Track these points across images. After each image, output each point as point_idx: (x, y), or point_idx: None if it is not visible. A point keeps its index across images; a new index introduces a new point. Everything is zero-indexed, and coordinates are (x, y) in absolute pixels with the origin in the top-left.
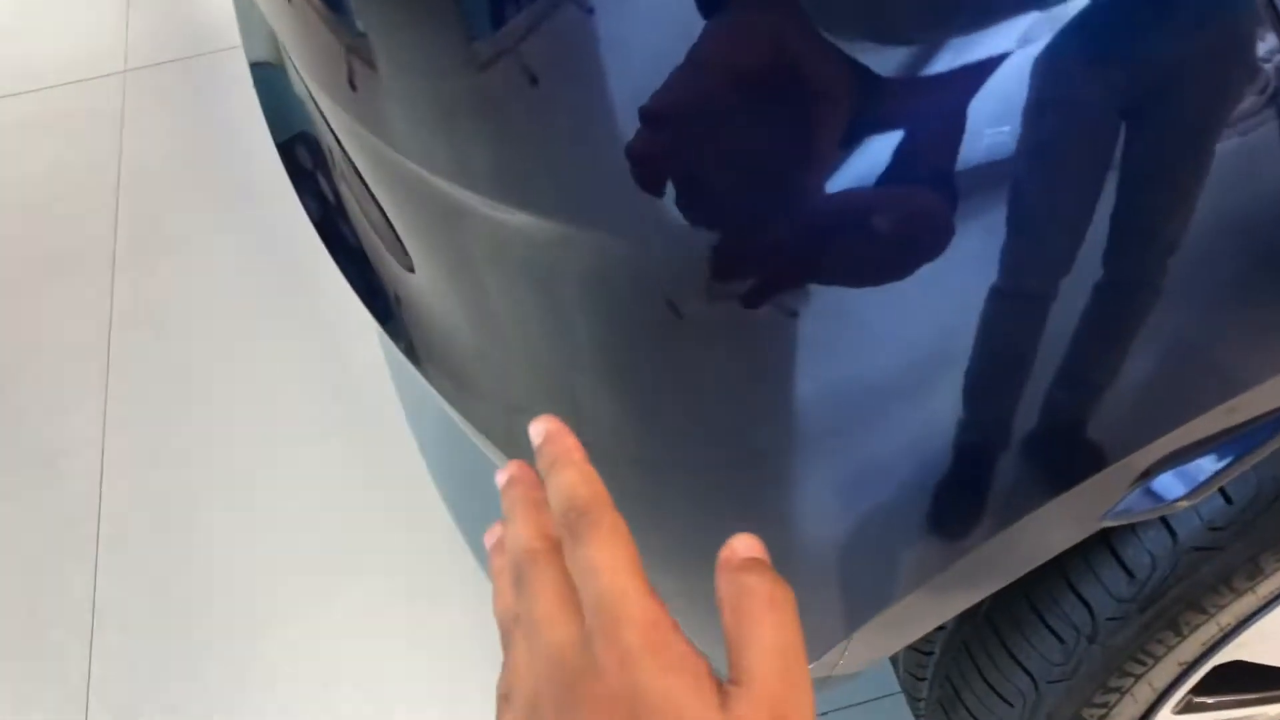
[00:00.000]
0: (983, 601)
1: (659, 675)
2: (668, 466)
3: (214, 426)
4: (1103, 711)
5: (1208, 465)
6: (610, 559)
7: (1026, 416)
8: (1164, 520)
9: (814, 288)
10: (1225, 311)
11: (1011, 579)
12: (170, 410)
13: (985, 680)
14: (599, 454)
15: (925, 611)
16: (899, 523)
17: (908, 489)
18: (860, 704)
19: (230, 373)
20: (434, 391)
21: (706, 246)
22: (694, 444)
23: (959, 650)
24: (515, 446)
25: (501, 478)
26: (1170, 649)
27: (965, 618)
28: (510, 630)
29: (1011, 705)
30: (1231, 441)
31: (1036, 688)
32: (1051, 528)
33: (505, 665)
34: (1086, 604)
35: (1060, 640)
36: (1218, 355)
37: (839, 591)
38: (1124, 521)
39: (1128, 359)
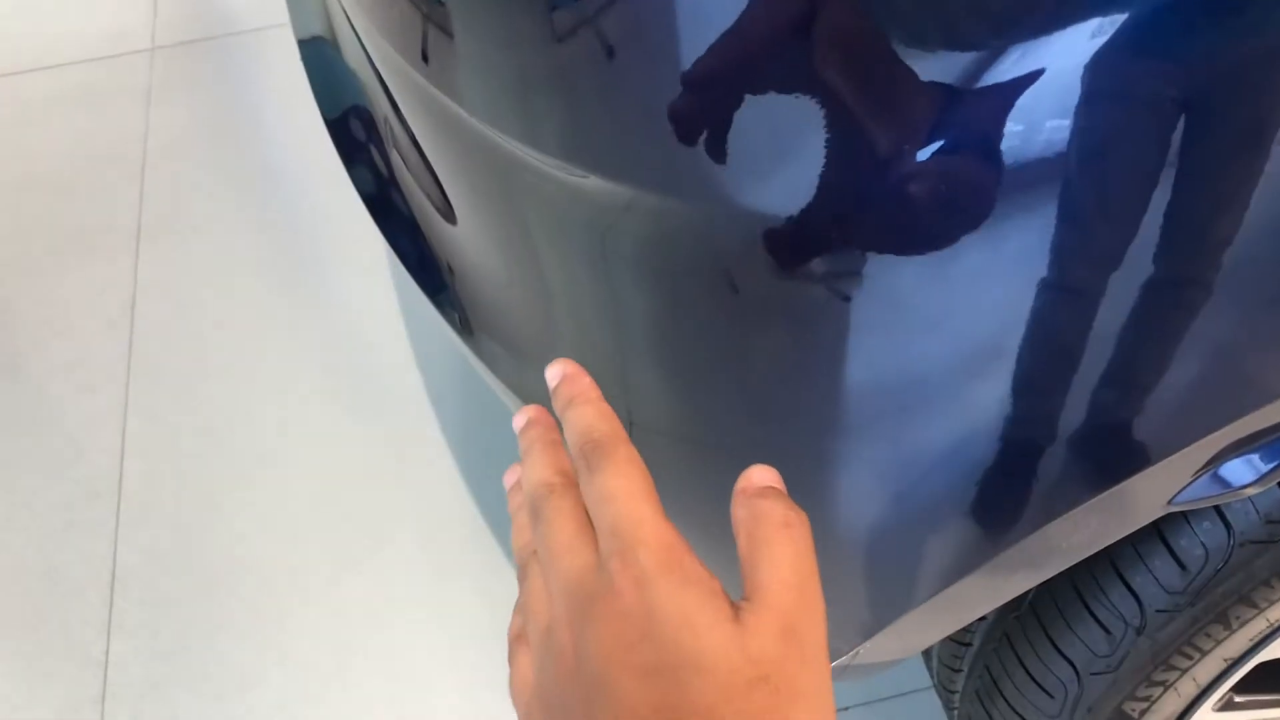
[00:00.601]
0: (1027, 591)
1: (673, 591)
2: (713, 446)
3: (235, 404)
4: (1145, 705)
5: (1276, 452)
6: (625, 486)
7: (1077, 409)
8: (1219, 512)
9: (866, 272)
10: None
11: (1072, 563)
12: (192, 387)
13: (1026, 670)
14: (644, 429)
15: (969, 601)
16: (942, 514)
17: (953, 479)
18: (884, 699)
19: (252, 350)
20: (480, 365)
21: (765, 221)
22: (741, 423)
23: (1000, 640)
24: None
25: (519, 420)
26: (1218, 643)
27: (1008, 608)
28: (527, 565)
29: (1052, 697)
30: None
31: (1079, 679)
32: (1119, 512)
33: (520, 601)
34: (1135, 595)
35: (1107, 631)
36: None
37: (877, 581)
38: (1191, 507)
39: (1182, 353)
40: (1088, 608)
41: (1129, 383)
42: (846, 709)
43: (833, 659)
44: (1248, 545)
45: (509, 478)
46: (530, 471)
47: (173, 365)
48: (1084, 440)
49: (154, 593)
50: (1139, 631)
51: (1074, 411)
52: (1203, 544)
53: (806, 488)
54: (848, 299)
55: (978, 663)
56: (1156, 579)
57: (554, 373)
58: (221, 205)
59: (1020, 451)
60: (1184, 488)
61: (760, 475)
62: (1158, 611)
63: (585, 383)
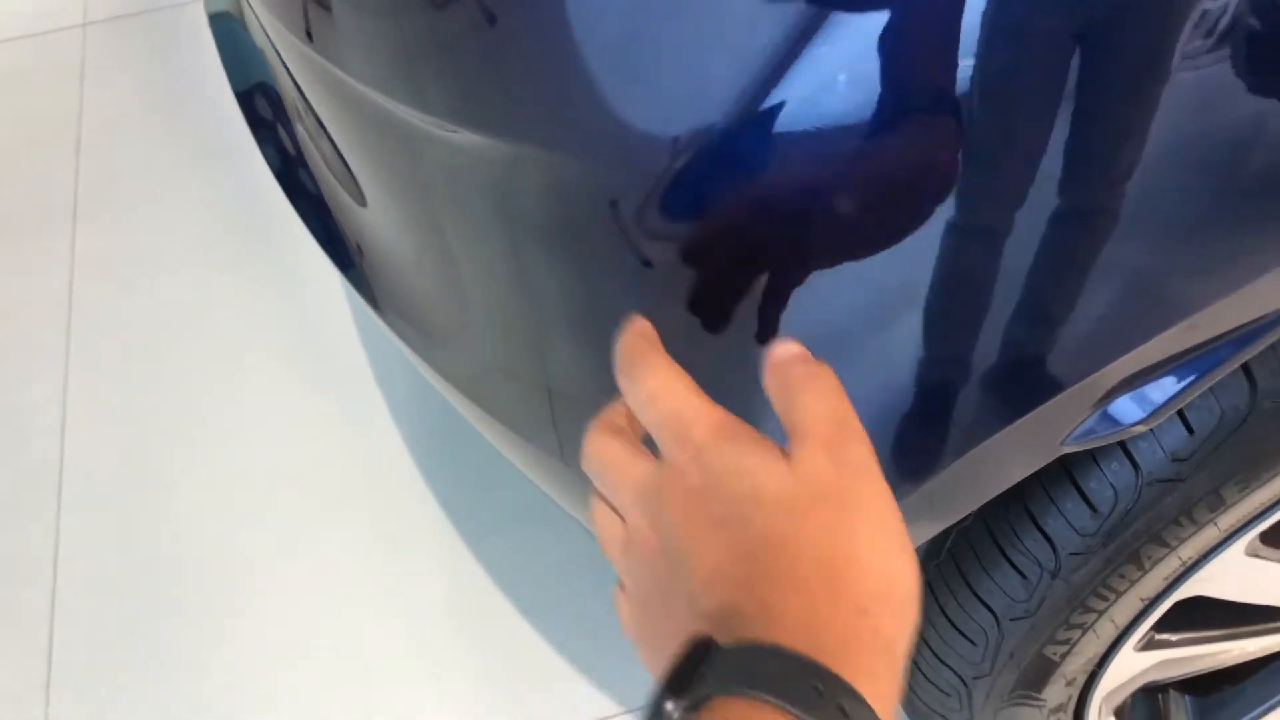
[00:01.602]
0: (946, 539)
1: (725, 451)
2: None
3: (178, 384)
4: (1065, 649)
5: (1166, 388)
6: (666, 382)
7: (986, 344)
8: (1126, 452)
9: (771, 219)
10: (1181, 233)
11: (976, 506)
12: (133, 368)
13: (948, 618)
14: (563, 398)
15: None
16: None
17: (873, 423)
18: None
19: (195, 328)
20: (396, 339)
21: (667, 173)
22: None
23: (923, 589)
24: (477, 390)
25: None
26: (1133, 583)
27: (929, 555)
28: (610, 536)
29: (974, 644)
30: (1189, 363)
31: (999, 625)
32: (1013, 453)
33: (601, 545)
34: (1049, 539)
35: (1023, 576)
36: (1176, 274)
37: None
38: (1084, 446)
39: (1085, 283)
40: (1003, 553)
41: (1025, 321)
42: None
43: None
44: (1155, 484)
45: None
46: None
47: (113, 346)
48: (982, 380)
49: (98, 577)
50: (1054, 575)
51: (974, 352)
52: (1111, 485)
53: None
54: (755, 249)
55: None
56: (1068, 521)
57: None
58: (159, 180)
59: (923, 394)
60: (1076, 427)
61: (782, 347)
62: (1071, 554)
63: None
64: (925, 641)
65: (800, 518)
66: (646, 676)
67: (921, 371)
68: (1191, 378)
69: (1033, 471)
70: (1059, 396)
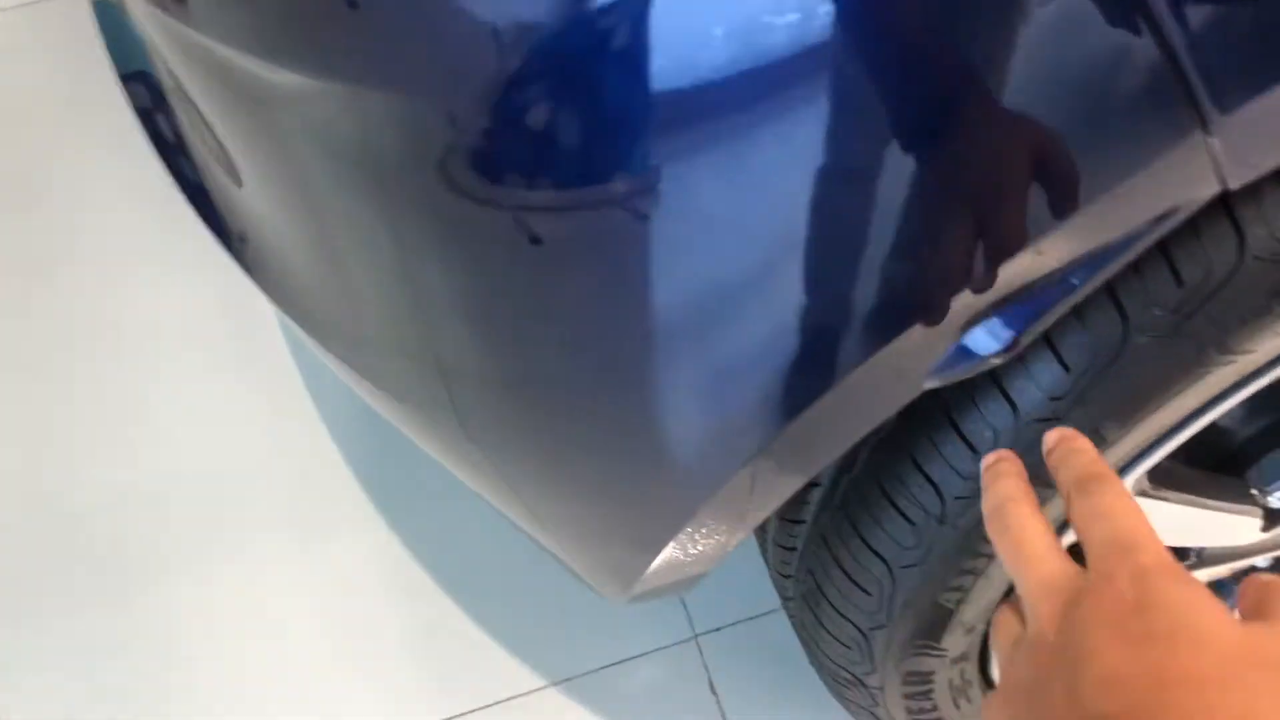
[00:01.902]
0: (837, 490)
1: (1172, 585)
2: (513, 373)
3: (94, 367)
4: (959, 595)
5: (1021, 317)
6: (1124, 506)
7: (841, 280)
8: (1004, 393)
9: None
10: (1018, 160)
11: (846, 446)
12: (49, 353)
13: (844, 570)
14: (453, 367)
15: (771, 484)
16: (735, 397)
17: (740, 366)
18: (735, 624)
19: (111, 318)
20: (290, 322)
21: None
22: (528, 348)
23: (818, 542)
24: (369, 369)
25: (989, 459)
26: None
27: (823, 507)
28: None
29: (870, 594)
30: (1040, 292)
31: (892, 575)
32: (877, 389)
33: (994, 636)
34: (934, 484)
35: (911, 523)
36: (1014, 202)
37: (685, 474)
38: (946, 380)
39: (927, 216)
40: (891, 502)
41: (875, 255)
42: (697, 636)
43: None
44: (1034, 424)
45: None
46: (996, 486)
47: (28, 329)
48: (840, 317)
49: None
50: (940, 521)
51: (831, 289)
52: (990, 425)
53: (608, 399)
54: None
55: (802, 567)
56: (951, 465)
57: (1053, 436)
58: (74, 170)
59: (785, 333)
60: (936, 360)
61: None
62: (956, 499)
63: (1083, 439)
64: (824, 594)
65: (1233, 672)
66: (572, 646)
67: (782, 311)
68: (1044, 306)
69: (899, 408)
70: (913, 329)
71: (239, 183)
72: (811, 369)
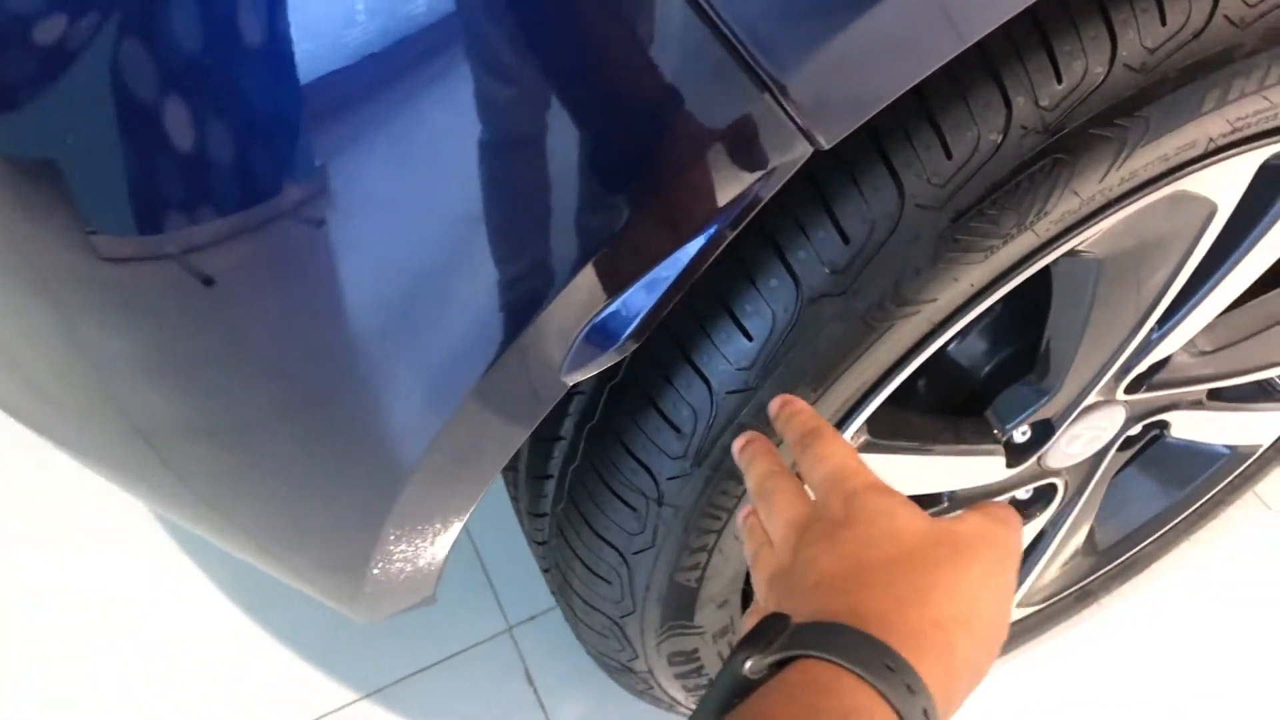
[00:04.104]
0: (564, 483)
1: (878, 500)
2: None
3: None
4: (698, 573)
5: (639, 302)
6: (836, 449)
7: (466, 282)
8: (696, 369)
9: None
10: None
11: (513, 448)
12: None
13: (582, 562)
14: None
15: (448, 494)
16: (392, 407)
17: (396, 376)
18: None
19: None
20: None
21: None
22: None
23: (558, 536)
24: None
25: (739, 441)
26: (739, 499)
27: (555, 500)
28: (759, 549)
29: (610, 582)
30: (651, 277)
31: (625, 561)
32: (517, 394)
33: (754, 574)
34: (645, 466)
35: (632, 508)
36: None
37: (367, 484)
38: (586, 373)
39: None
40: (610, 489)
41: (486, 260)
42: (511, 628)
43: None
44: (729, 395)
45: (741, 513)
46: (755, 468)
47: None
48: (472, 315)
49: None
50: (660, 502)
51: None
52: (688, 403)
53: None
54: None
55: (550, 561)
56: (658, 446)
57: (775, 404)
58: None
59: (421, 340)
60: (567, 358)
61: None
62: (669, 479)
63: (799, 402)
64: (571, 587)
65: (919, 551)
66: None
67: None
68: (661, 290)
69: (549, 408)
70: (535, 325)
71: None
72: (452, 371)
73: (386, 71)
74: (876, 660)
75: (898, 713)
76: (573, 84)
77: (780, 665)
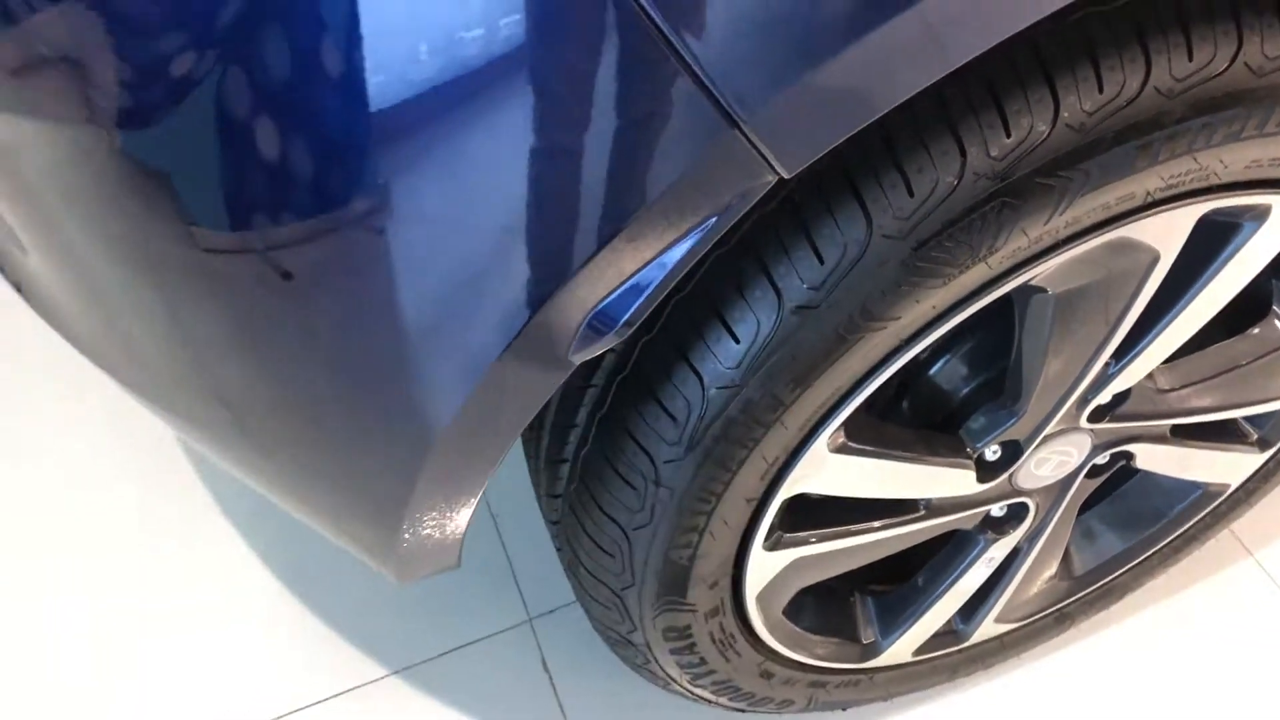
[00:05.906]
0: (576, 464)
1: None
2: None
3: None
4: (690, 552)
5: (632, 296)
6: None
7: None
8: (690, 366)
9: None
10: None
11: (524, 423)
12: None
13: (590, 537)
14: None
15: (464, 473)
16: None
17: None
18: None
19: None
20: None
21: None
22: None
23: (570, 514)
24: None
25: None
26: (728, 485)
27: (569, 480)
28: None
29: (613, 556)
30: (646, 267)
31: (627, 537)
32: (528, 374)
33: None
34: (645, 450)
35: (632, 487)
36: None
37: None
38: (587, 354)
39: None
40: (614, 468)
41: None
42: (532, 619)
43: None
44: (718, 391)
45: None
46: None
47: None
48: (482, 301)
49: None
50: (657, 484)
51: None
52: (682, 395)
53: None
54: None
55: (562, 536)
56: (656, 431)
57: None
58: None
59: (440, 324)
60: (574, 339)
61: None
62: (666, 462)
63: None
64: (581, 562)
65: None
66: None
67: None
68: (649, 288)
69: (558, 384)
70: (542, 312)
71: (24, 250)
72: (468, 353)
73: (435, 101)
74: None
75: None
76: (580, 123)
77: None
